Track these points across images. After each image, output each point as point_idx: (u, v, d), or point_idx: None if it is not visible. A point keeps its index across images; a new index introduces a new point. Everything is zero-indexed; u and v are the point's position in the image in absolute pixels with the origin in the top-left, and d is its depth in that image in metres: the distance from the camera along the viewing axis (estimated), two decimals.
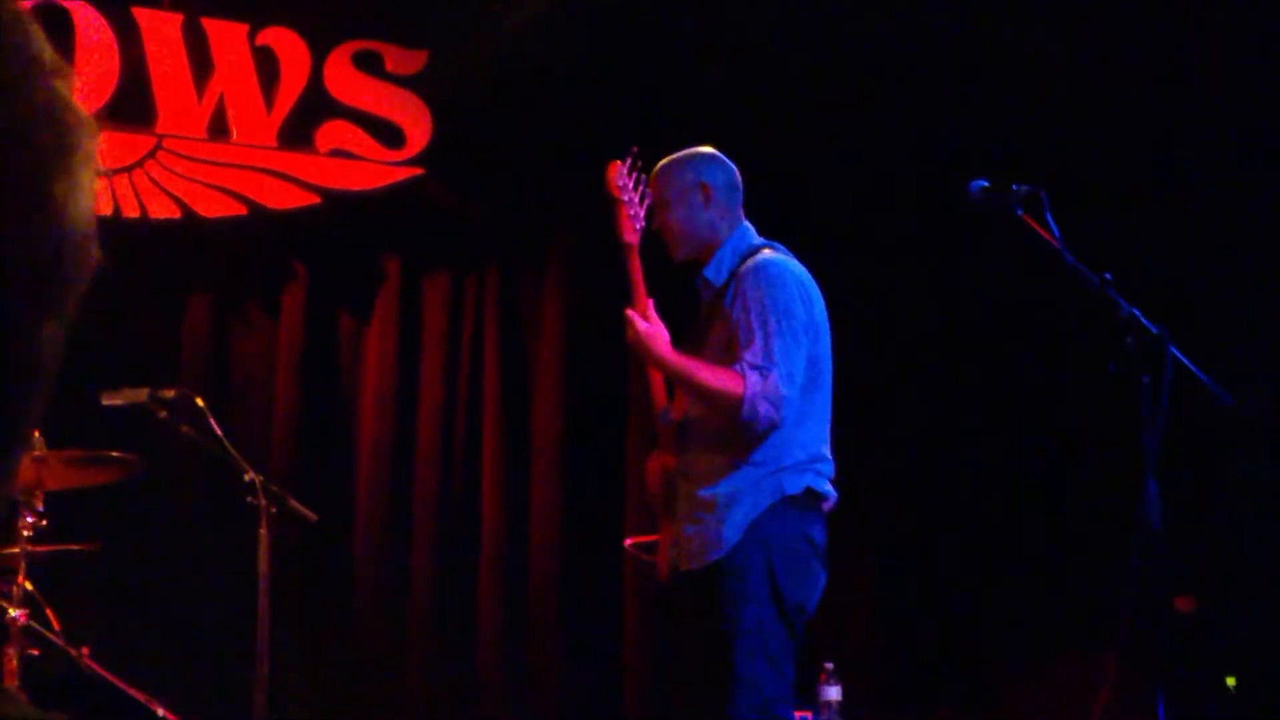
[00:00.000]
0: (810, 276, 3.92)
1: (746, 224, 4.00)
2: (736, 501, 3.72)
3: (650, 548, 4.03)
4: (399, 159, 6.24)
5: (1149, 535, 3.33)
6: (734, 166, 4.04)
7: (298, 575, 5.62)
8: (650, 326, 3.80)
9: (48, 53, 0.65)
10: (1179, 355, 3.33)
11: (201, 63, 6.03)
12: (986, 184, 3.62)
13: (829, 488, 3.83)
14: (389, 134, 6.24)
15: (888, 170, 6.34)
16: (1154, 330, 3.34)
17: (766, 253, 3.90)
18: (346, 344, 6.26)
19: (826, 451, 3.85)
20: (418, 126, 6.26)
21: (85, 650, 4.42)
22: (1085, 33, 5.93)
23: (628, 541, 5.26)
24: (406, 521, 6.17)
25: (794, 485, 3.74)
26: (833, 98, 6.29)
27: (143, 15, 5.97)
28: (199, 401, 4.46)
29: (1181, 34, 5.74)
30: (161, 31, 5.99)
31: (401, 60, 6.31)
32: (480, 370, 6.34)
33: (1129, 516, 3.43)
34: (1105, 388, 3.65)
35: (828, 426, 3.88)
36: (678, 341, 3.84)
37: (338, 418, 6.22)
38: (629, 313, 3.83)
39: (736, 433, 3.73)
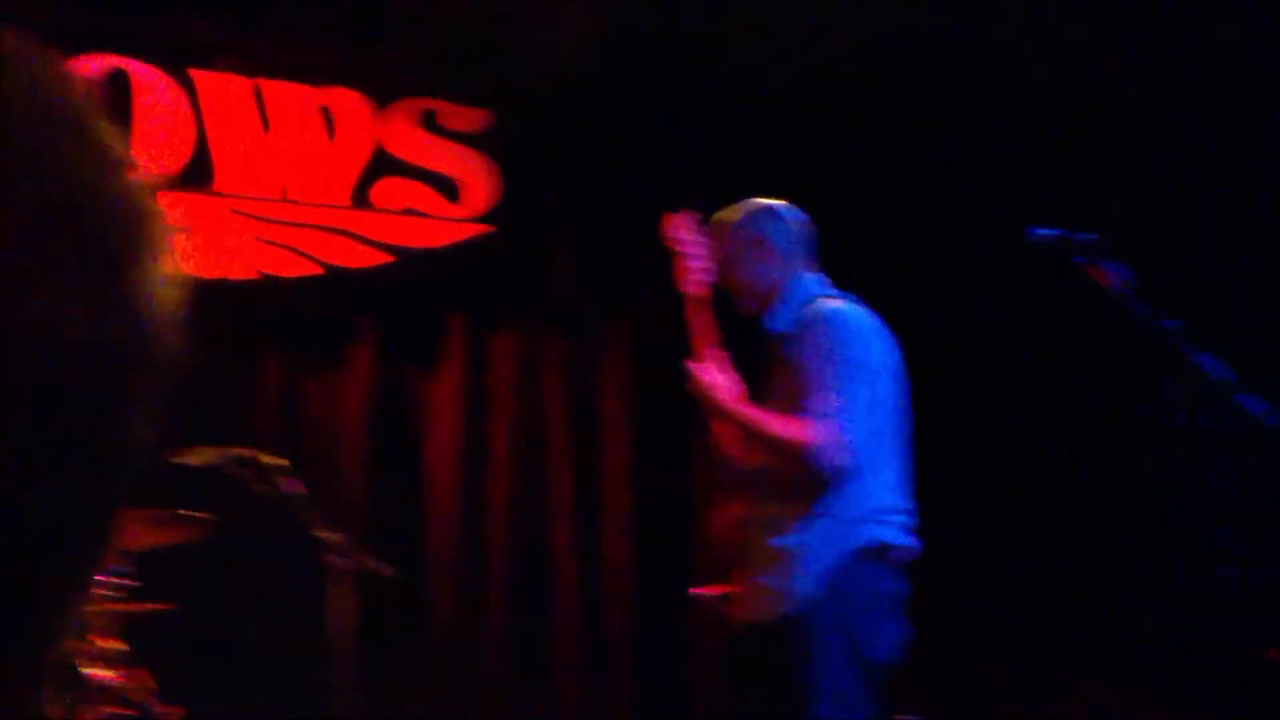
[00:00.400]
0: (880, 324, 3.92)
1: (812, 274, 4.01)
2: (808, 554, 3.71)
3: (721, 598, 4.03)
4: (465, 216, 6.32)
5: (1231, 585, 3.30)
6: (794, 217, 4.06)
7: (372, 629, 5.65)
8: (712, 377, 3.82)
9: (117, 146, 0.67)
10: (1246, 403, 3.31)
11: (265, 124, 6.12)
12: (1048, 231, 3.61)
13: (905, 538, 3.80)
14: (454, 191, 6.32)
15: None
16: (1222, 378, 3.31)
17: (831, 301, 3.91)
18: (416, 400, 6.31)
19: (902, 501, 3.83)
20: (482, 183, 6.34)
21: (179, 710, 4.45)
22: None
23: (698, 592, 5.26)
24: (478, 576, 6.20)
25: (865, 537, 3.72)
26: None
27: (203, 78, 6.06)
28: (274, 460, 4.52)
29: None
30: (224, 94, 6.08)
31: (464, 118, 6.38)
32: (548, 423, 6.37)
33: (1197, 561, 3.41)
34: (1171, 435, 3.62)
35: (903, 475, 3.85)
36: (751, 391, 3.86)
37: (408, 473, 6.26)
38: (690, 364, 3.86)
39: (806, 483, 3.73)
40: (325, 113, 6.23)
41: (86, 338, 0.62)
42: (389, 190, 6.27)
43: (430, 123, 6.36)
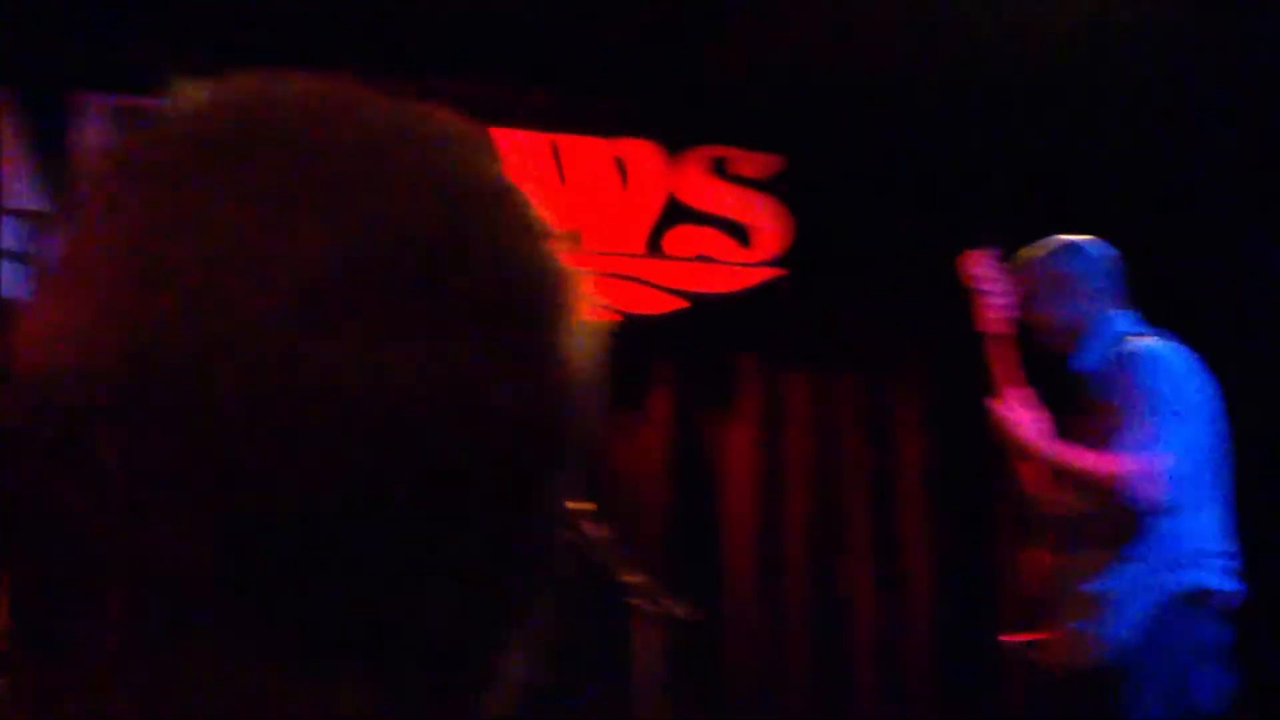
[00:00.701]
0: (1196, 362, 3.80)
1: (1119, 311, 3.91)
2: (1124, 599, 3.61)
3: (1032, 645, 3.94)
4: (757, 260, 6.36)
5: None
6: (1101, 253, 3.97)
7: (674, 671, 5.69)
8: (1016, 414, 3.76)
9: (538, 217, 0.70)
10: None
11: (561, 177, 6.28)
12: None
13: (1228, 582, 3.66)
14: (746, 236, 6.37)
15: None
16: None
17: (1142, 339, 3.81)
18: (712, 443, 6.35)
19: (1223, 544, 3.68)
20: (773, 227, 6.38)
21: None
22: None
23: (1008, 638, 5.16)
24: (777, 618, 6.20)
25: (1185, 582, 3.60)
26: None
27: (502, 135, 6.24)
28: (579, 504, 4.60)
29: None
30: (522, 150, 6.25)
31: (753, 163, 6.44)
32: (844, 465, 6.34)
33: None
34: None
35: (1223, 517, 3.71)
36: (1059, 432, 3.78)
37: (705, 515, 6.30)
38: (990, 402, 3.80)
39: (1118, 525, 3.63)
40: (619, 163, 6.36)
41: (519, 408, 0.65)
42: (682, 237, 6.35)
43: (721, 169, 6.43)
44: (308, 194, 0.63)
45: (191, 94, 0.68)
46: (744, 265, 6.37)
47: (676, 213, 6.37)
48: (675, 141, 6.43)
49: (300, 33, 5.47)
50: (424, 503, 0.62)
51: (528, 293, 0.67)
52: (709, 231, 6.37)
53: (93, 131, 5.57)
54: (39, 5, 5.35)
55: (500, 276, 0.66)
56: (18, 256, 5.44)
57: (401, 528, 0.62)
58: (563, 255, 0.71)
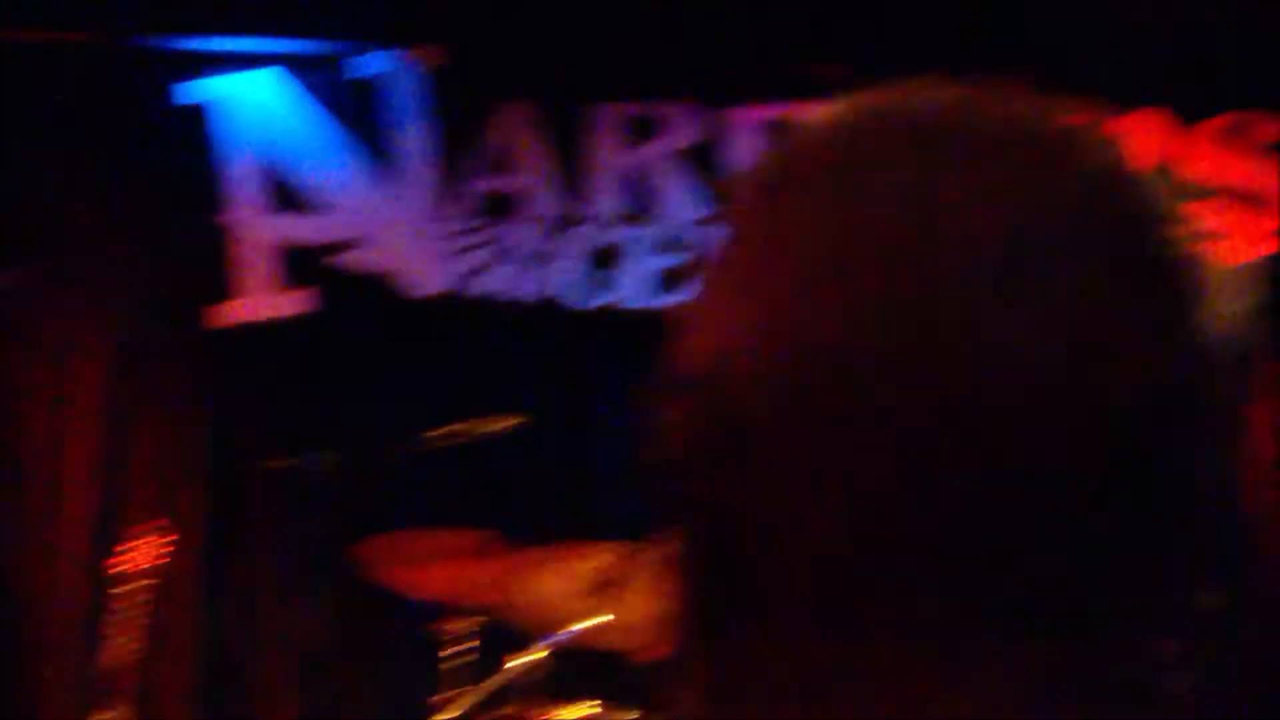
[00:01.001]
0: None
1: None
2: None
3: None
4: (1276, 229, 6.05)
5: None
6: None
7: None
8: None
9: (1163, 201, 0.74)
10: None
11: None
12: None
13: None
14: (1266, 206, 6.05)
15: None
16: None
17: None
18: None
19: None
20: None
21: None
22: None
23: None
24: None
25: None
26: None
27: None
28: None
29: None
30: None
31: (1272, 127, 6.10)
32: None
33: None
34: None
35: None
36: None
37: None
38: None
39: None
40: (1127, 138, 6.15)
41: (1160, 378, 0.68)
42: (1195, 209, 6.09)
43: (1235, 135, 6.12)
44: (965, 188, 0.67)
45: (828, 107, 0.73)
46: (1264, 236, 6.05)
47: (1188, 184, 6.11)
48: (1187, 111, 6.17)
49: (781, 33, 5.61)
50: (1102, 479, 0.65)
51: (1166, 275, 0.70)
52: (1223, 202, 6.08)
53: (608, 140, 5.94)
54: (556, 24, 5.75)
55: (1147, 256, 0.70)
56: (542, 259, 5.87)
57: (1081, 504, 0.64)
58: (1190, 238, 0.74)
